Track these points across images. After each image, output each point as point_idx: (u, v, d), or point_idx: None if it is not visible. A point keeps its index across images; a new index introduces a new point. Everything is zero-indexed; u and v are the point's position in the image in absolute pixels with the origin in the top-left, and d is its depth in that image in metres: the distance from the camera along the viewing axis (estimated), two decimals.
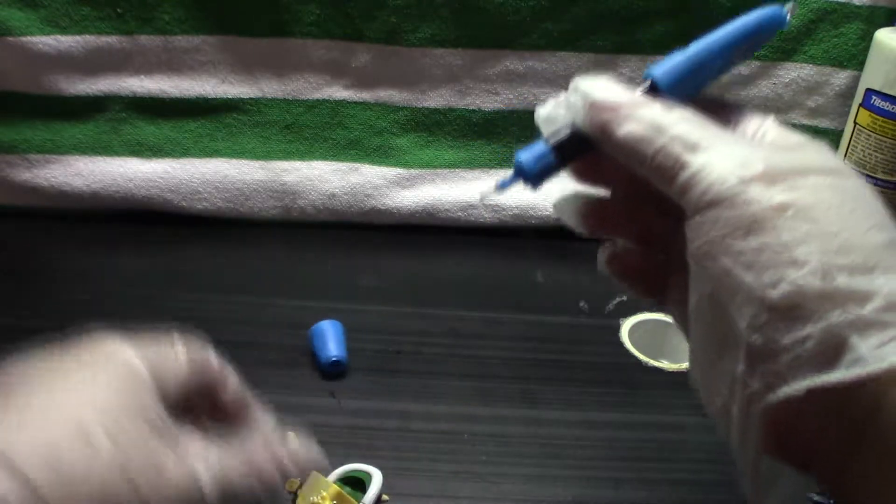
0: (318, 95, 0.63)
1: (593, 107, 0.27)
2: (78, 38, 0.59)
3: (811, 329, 0.22)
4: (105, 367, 0.30)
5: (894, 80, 0.53)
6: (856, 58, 0.60)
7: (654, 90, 0.28)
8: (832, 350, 0.22)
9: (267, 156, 0.64)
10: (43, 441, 0.26)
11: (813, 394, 0.21)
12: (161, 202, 0.63)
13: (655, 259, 0.31)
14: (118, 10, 0.58)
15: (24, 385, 0.29)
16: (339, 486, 0.39)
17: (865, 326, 0.21)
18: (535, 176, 0.29)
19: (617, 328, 0.55)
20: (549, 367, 0.51)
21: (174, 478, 0.29)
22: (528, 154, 0.29)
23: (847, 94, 0.61)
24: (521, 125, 0.64)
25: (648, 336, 0.55)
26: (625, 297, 0.58)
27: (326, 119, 0.63)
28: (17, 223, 0.65)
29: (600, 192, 0.32)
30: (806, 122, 0.63)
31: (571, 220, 0.32)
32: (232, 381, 0.35)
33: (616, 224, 0.32)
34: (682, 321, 0.29)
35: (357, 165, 0.64)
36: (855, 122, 0.56)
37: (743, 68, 0.61)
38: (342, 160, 0.64)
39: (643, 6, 0.59)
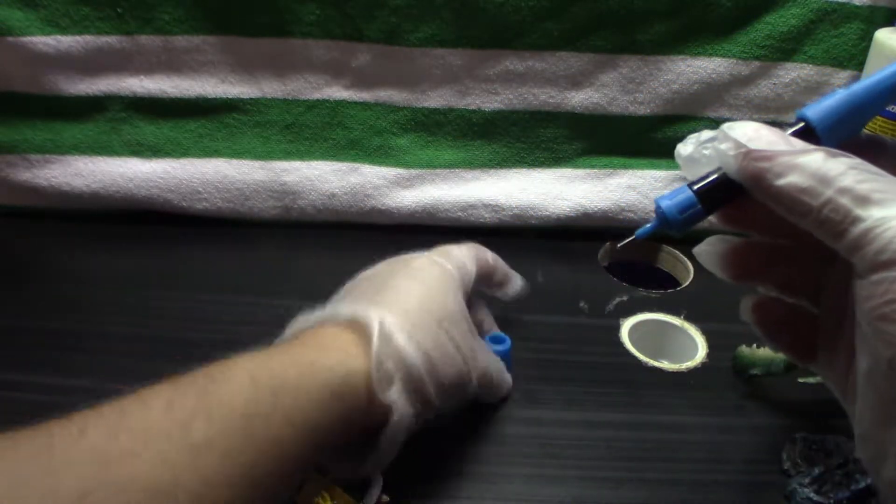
0: (318, 95, 0.63)
1: (748, 156, 0.25)
2: (78, 38, 0.59)
3: None
4: (436, 275, 0.41)
5: None
6: (856, 58, 0.60)
7: (808, 133, 0.26)
8: None
9: (267, 156, 0.64)
10: (416, 321, 0.38)
11: None
12: (161, 202, 0.63)
13: (804, 312, 0.29)
14: (118, 10, 0.58)
15: (366, 288, 0.41)
16: (339, 488, 0.39)
17: None
18: (679, 224, 0.28)
19: (617, 328, 0.55)
20: (549, 367, 0.51)
21: (481, 366, 0.42)
22: (671, 201, 0.27)
23: None
24: (521, 125, 0.64)
25: (648, 336, 0.55)
26: (625, 298, 0.58)
27: (326, 119, 0.63)
28: (17, 223, 0.65)
29: (747, 235, 0.30)
30: None
31: (715, 267, 0.30)
32: (500, 268, 0.49)
33: (763, 271, 0.30)
34: (838, 383, 0.27)
35: (357, 165, 0.64)
36: None
37: (743, 68, 0.61)
38: (342, 160, 0.64)
39: (643, 6, 0.59)
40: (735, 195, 0.26)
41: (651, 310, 0.57)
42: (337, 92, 0.63)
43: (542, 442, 0.45)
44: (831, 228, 0.23)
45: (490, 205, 0.64)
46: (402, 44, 0.60)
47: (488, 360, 0.43)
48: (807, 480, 0.41)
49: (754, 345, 0.50)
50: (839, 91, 0.26)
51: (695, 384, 0.50)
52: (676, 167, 0.64)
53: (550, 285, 0.60)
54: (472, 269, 0.44)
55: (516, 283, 0.50)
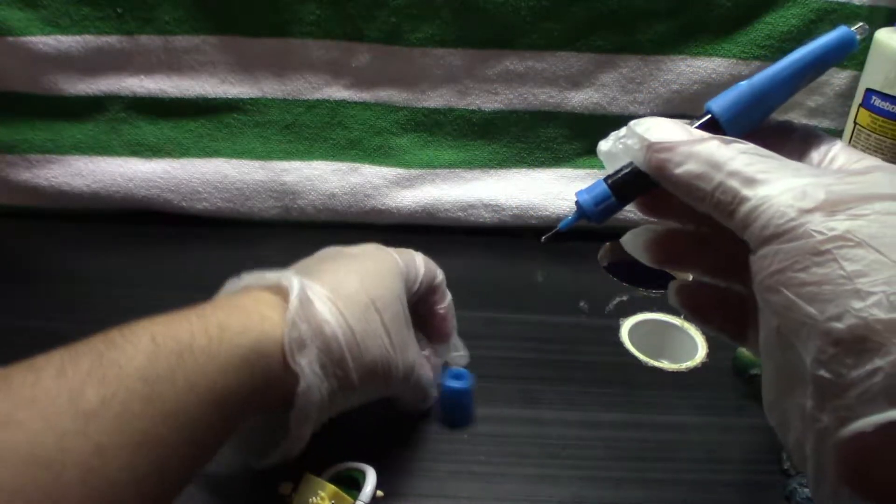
0: (318, 95, 0.63)
1: (650, 148, 0.27)
2: (78, 38, 0.59)
3: (880, 362, 0.21)
4: (382, 260, 0.41)
5: (894, 80, 0.53)
6: (856, 58, 0.60)
7: (714, 125, 0.27)
8: None
9: (267, 156, 0.64)
10: (357, 298, 0.37)
11: (887, 428, 0.21)
12: (161, 202, 0.63)
13: (732, 293, 0.30)
14: (118, 10, 0.58)
15: (317, 267, 0.39)
16: (334, 486, 0.39)
17: None
18: (596, 215, 0.30)
19: (617, 328, 0.55)
20: (549, 367, 0.51)
21: (411, 358, 0.40)
22: (588, 195, 0.29)
23: (847, 94, 0.61)
24: (521, 125, 0.64)
25: (648, 336, 0.55)
26: (625, 297, 0.58)
27: (326, 119, 0.63)
28: (17, 223, 0.65)
29: (669, 224, 0.31)
30: (806, 122, 0.63)
31: (640, 255, 0.32)
32: (447, 299, 0.46)
33: (687, 257, 0.31)
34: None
35: (357, 165, 0.64)
36: (855, 122, 0.56)
37: (743, 68, 0.61)
38: (342, 160, 0.64)
39: (643, 6, 0.59)
40: (647, 187, 0.28)
41: (651, 310, 0.57)
42: (337, 92, 0.63)
43: (542, 442, 0.45)
44: (723, 209, 0.25)
45: (490, 205, 0.64)
46: (402, 44, 0.60)
47: (419, 360, 0.42)
48: (806, 480, 0.41)
49: None
50: (742, 83, 0.27)
51: (695, 384, 0.50)
52: None
53: (550, 285, 0.60)
54: (419, 269, 0.43)
55: (458, 349, 0.48)
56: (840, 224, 0.22)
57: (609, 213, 0.30)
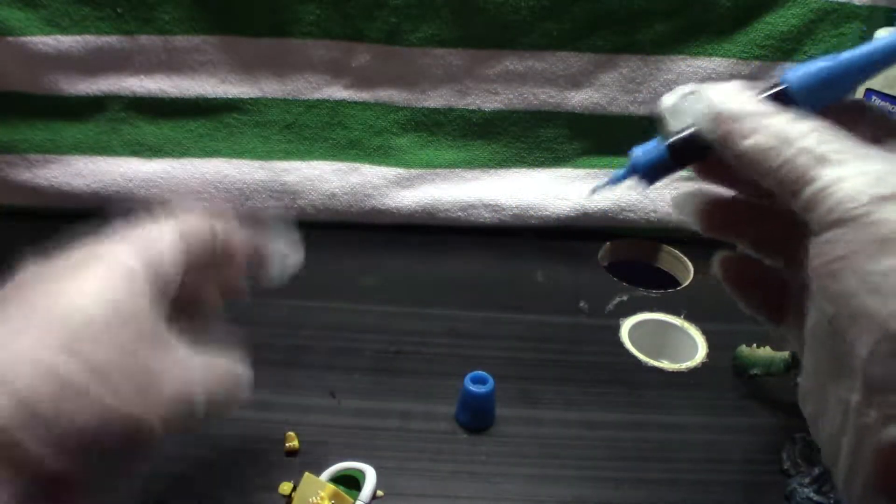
0: (318, 95, 0.63)
1: (718, 118, 0.25)
2: (78, 38, 0.59)
3: None
4: (92, 270, 0.29)
5: (894, 80, 0.53)
6: None
7: (786, 97, 0.26)
8: None
9: (267, 156, 0.64)
10: (33, 356, 0.25)
11: None
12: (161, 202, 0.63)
13: (776, 273, 0.29)
14: (118, 10, 0.58)
15: (17, 292, 0.28)
16: (334, 486, 0.39)
17: None
18: (648, 174, 0.28)
19: (617, 328, 0.55)
20: (549, 367, 0.51)
21: (169, 394, 0.28)
22: (643, 151, 0.28)
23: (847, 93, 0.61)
24: (520, 125, 0.64)
25: (648, 336, 0.55)
26: (625, 297, 0.58)
27: (326, 119, 0.63)
28: (17, 223, 0.65)
29: (724, 190, 0.30)
30: None
31: (690, 218, 0.30)
32: (238, 241, 0.34)
33: (737, 226, 0.30)
34: (799, 345, 0.27)
35: (357, 165, 0.64)
36: None
37: (743, 68, 0.61)
38: (342, 160, 0.64)
39: (643, 6, 0.59)
40: (707, 151, 0.27)
41: (651, 310, 0.57)
42: (337, 92, 0.63)
43: (542, 442, 0.45)
44: (789, 187, 0.24)
45: (490, 205, 0.64)
46: (402, 44, 0.60)
47: (191, 378, 0.30)
48: (807, 480, 0.41)
49: (754, 345, 0.50)
50: (825, 59, 0.26)
51: (695, 384, 0.50)
52: None
53: (550, 285, 0.60)
54: (172, 250, 0.31)
55: (281, 260, 0.37)
56: None
57: (662, 174, 0.28)
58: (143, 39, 0.60)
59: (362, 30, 0.60)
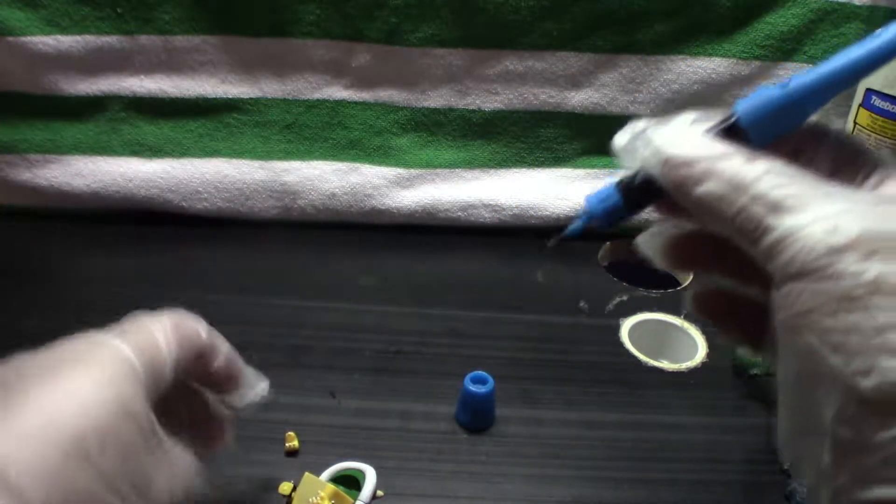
0: (318, 95, 0.63)
1: (667, 164, 0.24)
2: (78, 38, 0.59)
3: None
4: (97, 365, 0.28)
5: (894, 80, 0.53)
6: None
7: (738, 128, 0.25)
8: None
9: (267, 156, 0.64)
10: (34, 453, 0.25)
11: None
12: (161, 202, 0.63)
13: (751, 299, 0.28)
14: (118, 10, 0.58)
15: (14, 387, 0.27)
16: (334, 486, 0.39)
17: None
18: (605, 220, 0.27)
19: (617, 328, 0.55)
20: (549, 367, 0.51)
21: (161, 493, 0.29)
22: (597, 198, 0.27)
23: (847, 94, 0.61)
24: (521, 125, 0.64)
25: (648, 336, 0.55)
26: (625, 297, 0.58)
27: (326, 119, 0.63)
28: (17, 223, 0.65)
29: (688, 224, 0.28)
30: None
31: (657, 258, 0.29)
32: (222, 351, 0.34)
33: (706, 260, 0.28)
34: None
35: (357, 165, 0.64)
36: (855, 122, 0.56)
37: (743, 68, 0.61)
38: (342, 160, 0.64)
39: (643, 6, 0.59)
40: (662, 193, 0.25)
41: (651, 310, 0.57)
42: (337, 92, 0.63)
43: (542, 442, 0.45)
44: (747, 237, 0.23)
45: (490, 205, 0.64)
46: (402, 44, 0.60)
47: (179, 474, 0.30)
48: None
49: None
50: (775, 88, 0.24)
51: (695, 384, 0.50)
52: None
53: (550, 285, 0.60)
54: (165, 353, 0.31)
55: (253, 385, 0.37)
56: (875, 267, 0.20)
57: (619, 220, 0.27)
58: (143, 39, 0.60)
59: (362, 30, 0.60)
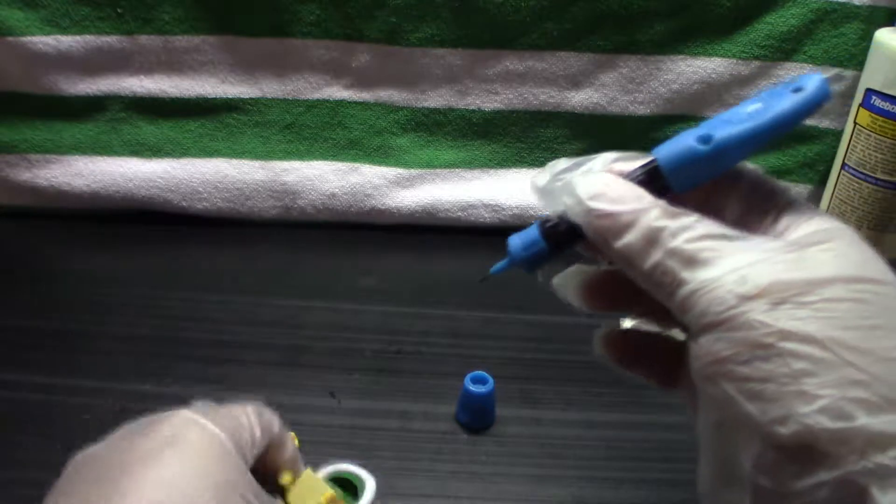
0: (318, 95, 0.63)
1: (588, 214, 0.24)
2: (78, 38, 0.59)
3: (825, 476, 0.19)
4: (192, 447, 0.28)
5: (894, 80, 0.53)
6: (856, 58, 0.60)
7: (658, 172, 0.24)
8: (849, 499, 0.19)
9: (267, 156, 0.64)
10: None
11: None
12: (161, 202, 0.63)
13: (666, 341, 0.28)
14: (118, 10, 0.58)
15: (107, 476, 0.26)
16: (333, 490, 0.39)
17: (888, 476, 0.19)
18: (528, 264, 0.27)
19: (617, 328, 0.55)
20: (549, 367, 0.51)
21: None
22: (519, 241, 0.27)
23: (847, 94, 0.61)
24: (521, 125, 0.64)
25: None
26: None
27: (326, 119, 0.63)
28: (17, 223, 0.65)
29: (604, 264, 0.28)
30: (806, 122, 0.63)
31: (573, 299, 0.30)
32: (290, 446, 0.35)
33: (624, 300, 0.29)
34: (694, 412, 0.26)
35: (357, 165, 0.64)
36: (855, 122, 0.56)
37: (743, 68, 0.61)
38: (342, 160, 0.64)
39: (643, 6, 0.59)
40: (584, 236, 0.25)
41: None
42: (337, 92, 0.63)
43: (542, 442, 0.45)
44: (663, 290, 0.23)
45: (490, 205, 0.64)
46: (402, 44, 0.60)
47: None
48: None
49: None
50: (697, 145, 0.24)
51: None
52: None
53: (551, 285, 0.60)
54: (256, 431, 0.32)
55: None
56: (785, 314, 0.20)
57: (542, 263, 0.27)
58: (143, 39, 0.60)
59: (362, 30, 0.60)
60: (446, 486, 0.42)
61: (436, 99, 0.63)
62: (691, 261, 0.22)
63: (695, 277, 0.22)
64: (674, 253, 0.22)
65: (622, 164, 0.26)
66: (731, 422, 0.21)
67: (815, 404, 0.19)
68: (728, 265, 0.22)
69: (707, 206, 0.25)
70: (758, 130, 0.23)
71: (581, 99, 0.62)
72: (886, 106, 0.53)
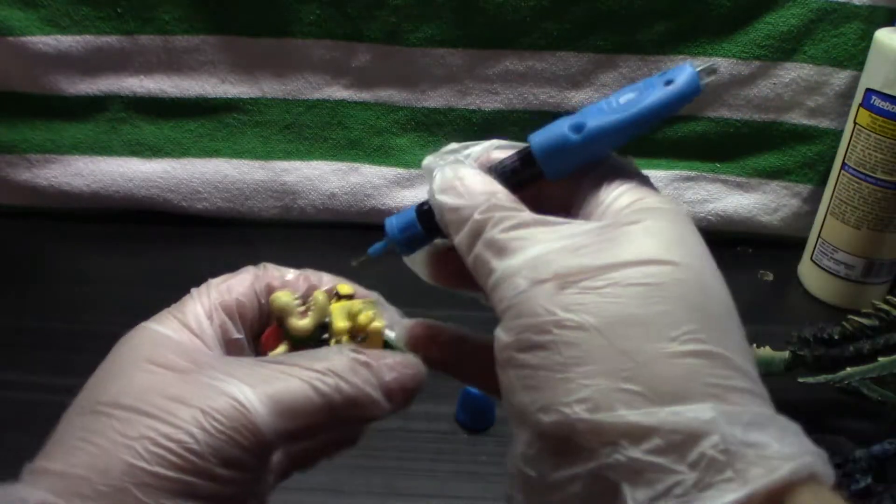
0: (318, 95, 0.63)
1: (440, 207, 0.24)
2: (78, 38, 0.59)
3: (579, 469, 0.19)
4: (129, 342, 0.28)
5: (894, 80, 0.53)
6: (856, 58, 0.60)
7: (532, 158, 0.24)
8: (602, 496, 0.18)
9: (267, 156, 0.64)
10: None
11: None
12: (161, 202, 0.63)
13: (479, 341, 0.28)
14: (118, 9, 0.58)
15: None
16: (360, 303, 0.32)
17: (638, 472, 0.18)
18: (405, 244, 0.27)
19: None
20: None
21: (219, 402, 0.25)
22: (396, 222, 0.27)
23: (847, 94, 0.61)
24: (521, 125, 0.64)
25: None
26: None
27: (326, 119, 0.63)
28: (17, 223, 0.65)
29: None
30: (806, 122, 0.63)
31: (420, 269, 0.30)
32: (299, 283, 0.34)
33: (468, 278, 0.27)
34: None
35: (357, 165, 0.64)
36: (855, 122, 0.56)
37: (743, 68, 0.61)
38: (342, 160, 0.64)
39: (643, 6, 0.59)
40: None
41: None
42: (337, 92, 0.63)
43: None
44: (481, 282, 0.23)
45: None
46: (402, 44, 0.60)
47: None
48: None
49: (754, 345, 0.50)
50: (571, 134, 0.24)
51: None
52: (678, 167, 0.64)
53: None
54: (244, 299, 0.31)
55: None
56: (569, 299, 0.20)
57: (418, 245, 0.27)
58: (143, 39, 0.60)
59: (362, 30, 0.60)
60: (446, 486, 0.42)
61: (436, 99, 0.63)
62: (502, 250, 0.22)
63: (500, 266, 0.22)
64: (489, 243, 0.22)
65: (500, 152, 0.26)
66: (510, 411, 0.21)
67: (577, 394, 0.19)
68: (532, 252, 0.21)
69: (571, 192, 0.25)
70: (627, 122, 0.23)
71: (581, 99, 0.62)
72: (886, 106, 0.53)
